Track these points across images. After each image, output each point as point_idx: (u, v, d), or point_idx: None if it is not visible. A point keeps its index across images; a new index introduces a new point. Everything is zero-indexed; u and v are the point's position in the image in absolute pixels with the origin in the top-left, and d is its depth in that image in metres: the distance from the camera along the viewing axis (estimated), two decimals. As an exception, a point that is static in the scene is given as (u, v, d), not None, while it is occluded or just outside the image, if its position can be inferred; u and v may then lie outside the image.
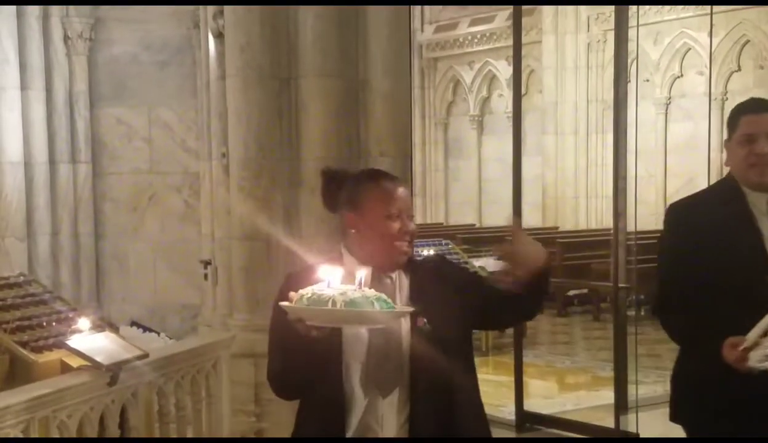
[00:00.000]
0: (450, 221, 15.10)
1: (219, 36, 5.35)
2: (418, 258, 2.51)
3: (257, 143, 5.24)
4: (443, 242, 8.83)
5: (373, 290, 2.09)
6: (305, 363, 2.23)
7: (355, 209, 2.36)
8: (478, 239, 11.09)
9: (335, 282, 2.07)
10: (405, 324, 2.31)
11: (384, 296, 2.08)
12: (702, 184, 14.37)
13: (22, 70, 6.03)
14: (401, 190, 2.39)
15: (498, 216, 13.92)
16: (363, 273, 2.13)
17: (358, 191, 2.38)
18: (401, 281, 2.39)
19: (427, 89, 16.41)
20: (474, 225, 14.31)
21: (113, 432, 4.01)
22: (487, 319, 2.54)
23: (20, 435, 3.49)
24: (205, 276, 5.64)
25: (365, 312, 2.02)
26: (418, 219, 6.93)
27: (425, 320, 2.30)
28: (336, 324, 2.09)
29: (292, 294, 2.08)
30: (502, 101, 15.78)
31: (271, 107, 5.22)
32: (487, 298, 2.39)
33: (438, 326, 2.33)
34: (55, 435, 3.70)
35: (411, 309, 2.21)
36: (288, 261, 5.18)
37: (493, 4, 15.25)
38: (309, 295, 2.03)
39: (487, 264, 8.16)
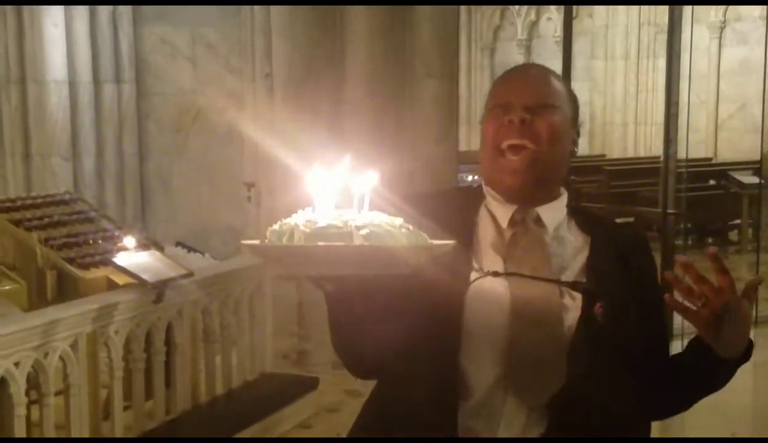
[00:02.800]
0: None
1: (263, -48, 5.24)
2: (609, 221, 1.86)
3: (301, 61, 5.16)
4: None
5: (388, 218, 1.35)
6: (384, 335, 1.51)
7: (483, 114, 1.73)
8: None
9: (325, 203, 1.35)
10: (572, 305, 1.55)
11: (413, 228, 1.37)
12: (755, 111, 14.03)
13: (64, -16, 5.98)
14: (524, 73, 1.75)
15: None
16: (364, 190, 1.37)
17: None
18: (572, 237, 1.66)
19: (474, 13, 16.08)
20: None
21: (159, 349, 4.06)
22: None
23: (69, 350, 3.55)
24: (249, 197, 5.63)
25: (337, 248, 1.28)
26: (461, 145, 6.80)
27: (601, 306, 1.53)
28: (311, 270, 1.35)
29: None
30: (551, 25, 15.41)
31: (316, 25, 5.13)
32: (656, 339, 1.67)
33: (618, 323, 1.56)
34: (103, 350, 3.75)
35: (451, 242, 1.41)
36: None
37: (539, 4, 15.07)
38: (279, 227, 1.34)
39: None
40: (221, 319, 4.46)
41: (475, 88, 15.87)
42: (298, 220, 1.32)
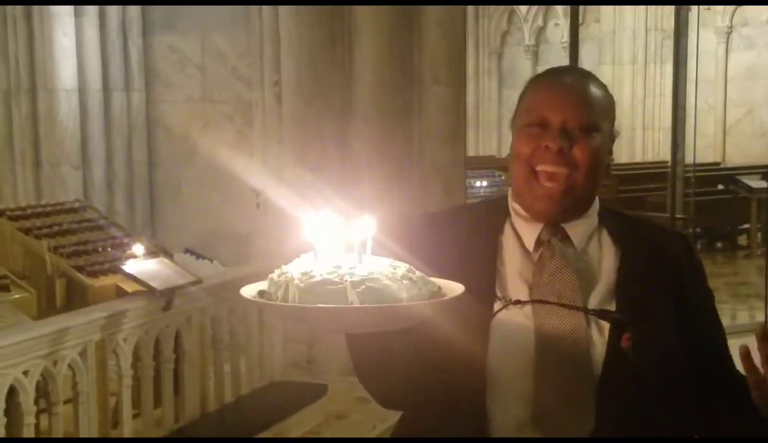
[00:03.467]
0: (503, 153, 14.94)
1: (270, -40, 5.26)
2: (643, 224, 1.66)
3: (309, 69, 5.18)
4: (496, 174, 8.71)
5: (394, 264, 1.29)
6: (406, 371, 1.45)
7: (513, 122, 1.61)
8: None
9: (327, 247, 1.29)
10: (600, 336, 1.45)
11: (418, 275, 1.29)
12: (763, 116, 13.99)
13: (75, -5, 6.01)
14: (563, 85, 1.57)
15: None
16: (369, 231, 1.29)
17: (521, 94, 1.63)
18: (601, 253, 1.56)
19: (482, 18, 16.09)
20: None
21: (168, 356, 4.07)
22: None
23: (78, 358, 3.56)
24: (257, 204, 5.64)
25: (323, 310, 1.22)
26: (470, 150, 6.81)
27: (631, 338, 1.43)
28: (308, 327, 1.40)
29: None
30: (558, 30, 15.42)
31: (324, 32, 5.14)
32: (710, 351, 1.56)
33: (652, 352, 1.45)
34: (111, 358, 3.76)
35: (457, 293, 1.32)
36: (340, 190, 5.14)
37: (546, 4, 15.06)
38: (278, 276, 1.30)
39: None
40: (230, 327, 4.47)
41: (482, 94, 15.89)
42: (295, 271, 1.26)
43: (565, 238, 1.55)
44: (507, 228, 1.59)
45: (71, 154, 6.06)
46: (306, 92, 5.23)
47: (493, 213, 1.62)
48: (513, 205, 1.60)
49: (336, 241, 1.29)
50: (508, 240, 1.58)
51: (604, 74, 14.18)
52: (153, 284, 4.15)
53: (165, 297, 4.07)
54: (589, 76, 1.61)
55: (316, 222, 1.29)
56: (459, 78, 5.48)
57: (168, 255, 4.64)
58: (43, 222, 4.52)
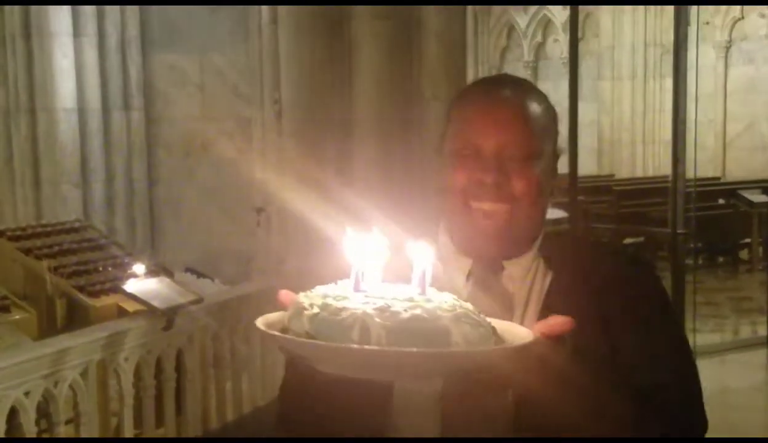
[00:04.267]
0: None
1: (270, -22, 5.27)
2: (594, 252, 1.49)
3: (309, 86, 5.18)
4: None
5: (451, 298, 1.09)
6: (318, 420, 1.31)
7: (441, 144, 1.43)
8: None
9: (373, 275, 1.09)
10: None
11: (469, 308, 1.08)
12: (763, 130, 13.97)
13: (74, 15, 6.01)
14: (496, 106, 1.38)
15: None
16: (430, 263, 1.10)
17: (448, 112, 1.45)
18: (536, 279, 1.41)
19: (481, 35, 16.13)
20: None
21: (169, 375, 4.04)
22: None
23: (79, 378, 3.54)
24: (258, 222, 5.63)
25: (437, 354, 1.01)
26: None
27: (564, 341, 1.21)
28: (372, 375, 1.05)
29: (288, 296, 1.14)
30: (557, 46, 15.45)
31: (324, 50, 5.15)
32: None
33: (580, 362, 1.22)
34: (113, 377, 3.74)
35: (528, 338, 1.12)
36: (342, 208, 5.14)
37: (549, 4, 15.11)
38: (320, 304, 1.05)
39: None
40: (231, 345, 4.45)
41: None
42: (356, 304, 1.04)
43: (499, 273, 1.41)
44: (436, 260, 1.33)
45: (71, 173, 6.05)
46: (306, 109, 5.23)
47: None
48: (442, 238, 1.44)
49: (379, 267, 1.10)
50: (437, 270, 1.32)
51: (604, 89, 14.21)
52: (154, 303, 4.14)
53: (166, 317, 4.06)
54: (526, 89, 1.42)
55: (361, 244, 1.09)
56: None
57: (169, 274, 4.63)
58: (44, 242, 4.51)
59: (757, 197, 10.43)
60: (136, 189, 6.29)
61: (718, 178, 12.54)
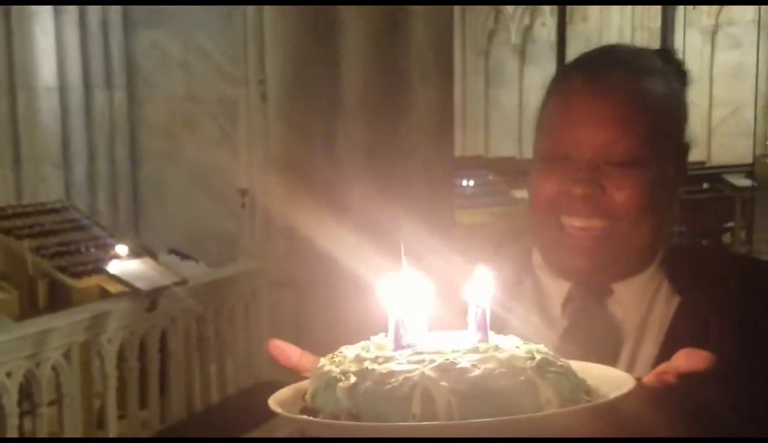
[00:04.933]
0: (490, 152, 14.91)
1: (255, -44, 5.20)
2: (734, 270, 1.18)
3: (294, 67, 5.12)
4: (484, 173, 8.67)
5: (516, 341, 0.84)
6: None
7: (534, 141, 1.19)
8: (517, 171, 10.92)
9: (416, 324, 0.83)
10: None
11: (543, 350, 0.82)
12: (748, 115, 14.01)
13: (55, -8, 5.93)
14: (594, 95, 1.11)
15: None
16: (489, 296, 0.83)
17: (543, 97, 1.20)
18: (654, 313, 1.14)
19: (468, 17, 16.07)
20: (514, 157, 14.14)
21: (153, 357, 4.00)
22: None
23: (62, 359, 3.49)
24: (243, 204, 5.57)
25: (531, 419, 0.76)
26: (456, 150, 6.76)
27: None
28: None
29: (283, 351, 0.91)
30: (545, 30, 15.41)
31: (309, 30, 5.08)
32: None
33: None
34: (96, 359, 3.70)
35: (628, 384, 0.82)
36: (327, 190, 5.09)
37: (532, 4, 15.09)
38: (358, 371, 0.79)
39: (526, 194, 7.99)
40: (216, 327, 4.41)
41: (469, 93, 15.87)
42: (365, 355, 0.79)
43: (606, 298, 1.15)
44: (527, 282, 1.19)
45: (52, 152, 5.97)
46: (292, 90, 5.16)
47: (516, 265, 1.21)
48: (536, 258, 1.20)
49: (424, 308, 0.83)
50: (526, 297, 1.17)
51: (589, 74, 14.19)
52: (137, 285, 4.10)
53: (149, 298, 4.01)
54: (641, 71, 1.13)
55: (400, 286, 0.81)
56: (446, 76, 5.43)
57: (152, 255, 4.58)
58: (24, 222, 4.44)
59: (740, 181, 10.47)
60: (118, 169, 6.21)
61: (703, 163, 12.57)
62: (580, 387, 0.82)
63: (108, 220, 5.78)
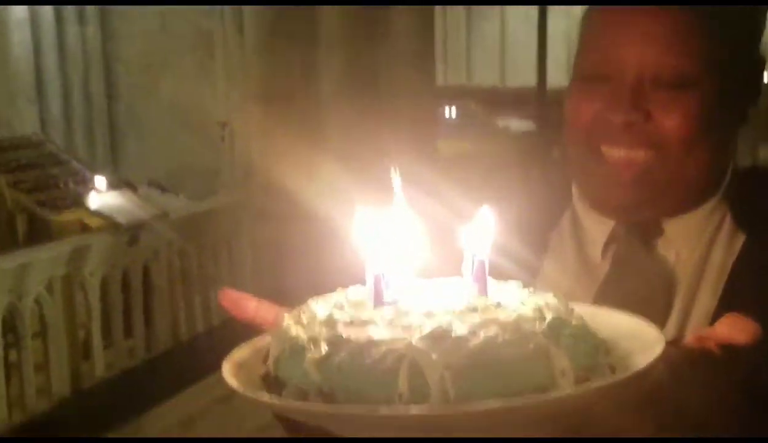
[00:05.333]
0: (472, 81, 14.76)
1: None
2: None
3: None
4: (467, 102, 8.61)
5: (517, 288, 0.69)
6: None
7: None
8: (501, 100, 10.84)
9: (402, 275, 0.68)
10: None
11: (552, 301, 0.67)
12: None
13: None
14: (639, 8, 0.96)
15: (522, 76, 13.55)
16: (489, 242, 0.68)
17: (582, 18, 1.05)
18: (714, 253, 0.99)
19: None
20: (496, 86, 14.01)
21: (137, 289, 3.98)
22: None
23: (44, 292, 3.47)
24: (223, 137, 5.52)
25: (543, 402, 0.60)
26: (439, 77, 6.68)
27: None
28: (434, 435, 0.62)
29: (236, 303, 0.77)
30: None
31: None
32: None
33: None
34: (79, 292, 3.67)
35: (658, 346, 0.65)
36: (307, 122, 5.03)
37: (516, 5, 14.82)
38: (331, 338, 0.63)
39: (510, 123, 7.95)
40: (199, 260, 4.38)
41: (449, 21, 15.65)
42: (339, 316, 0.65)
43: (655, 239, 1.00)
44: (565, 219, 1.05)
45: (26, 87, 5.85)
46: (269, 22, 5.08)
47: (552, 195, 1.08)
48: (575, 191, 1.06)
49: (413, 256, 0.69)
50: (564, 237, 1.04)
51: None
52: (117, 218, 4.06)
53: (130, 232, 3.98)
54: None
55: (381, 227, 0.67)
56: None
57: (132, 188, 4.52)
58: (1, 157, 4.37)
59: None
60: (94, 104, 6.10)
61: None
62: (599, 349, 0.67)
63: (85, 155, 5.70)
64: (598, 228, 1.02)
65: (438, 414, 0.60)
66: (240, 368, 0.70)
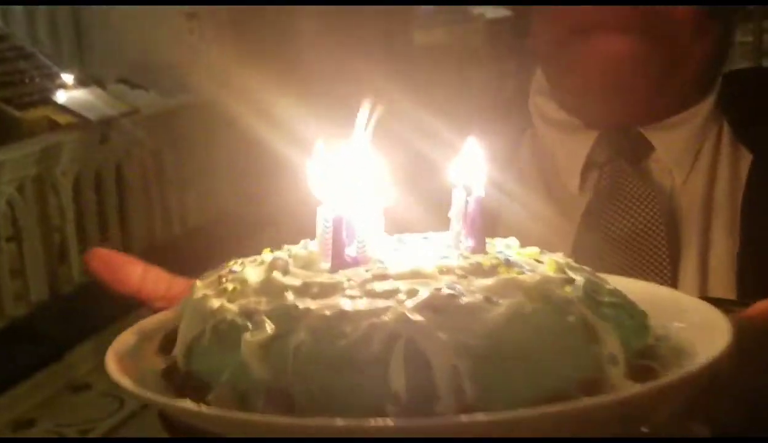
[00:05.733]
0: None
1: None
2: None
3: None
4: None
5: (523, 254, 0.50)
6: None
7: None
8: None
9: (372, 225, 0.48)
10: None
11: (593, 277, 0.48)
12: None
13: None
14: None
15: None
16: (483, 179, 0.50)
17: None
18: (720, 167, 0.83)
19: None
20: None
21: (110, 189, 3.88)
22: None
23: (15, 193, 3.35)
24: (191, 30, 5.31)
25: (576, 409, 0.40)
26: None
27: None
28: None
29: (107, 263, 0.63)
30: None
31: None
32: None
33: None
34: (51, 193, 3.56)
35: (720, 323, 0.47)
36: (280, 17, 4.86)
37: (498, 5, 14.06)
38: (278, 310, 0.43)
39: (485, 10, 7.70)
40: (175, 159, 4.27)
41: None
42: (287, 281, 0.46)
43: (650, 158, 0.81)
44: (524, 149, 0.85)
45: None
46: None
47: (507, 127, 0.86)
48: (537, 102, 0.85)
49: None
50: (522, 173, 0.84)
51: None
52: (87, 115, 3.92)
53: (100, 129, 3.85)
54: None
55: (343, 169, 0.50)
56: None
57: (100, 84, 4.37)
58: (-39, 52, 4.17)
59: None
60: (57, -4, 5.82)
61: None
62: (648, 327, 0.48)
63: (49, 49, 5.46)
64: (572, 149, 0.81)
65: (455, 426, 0.38)
66: (131, 362, 0.49)
